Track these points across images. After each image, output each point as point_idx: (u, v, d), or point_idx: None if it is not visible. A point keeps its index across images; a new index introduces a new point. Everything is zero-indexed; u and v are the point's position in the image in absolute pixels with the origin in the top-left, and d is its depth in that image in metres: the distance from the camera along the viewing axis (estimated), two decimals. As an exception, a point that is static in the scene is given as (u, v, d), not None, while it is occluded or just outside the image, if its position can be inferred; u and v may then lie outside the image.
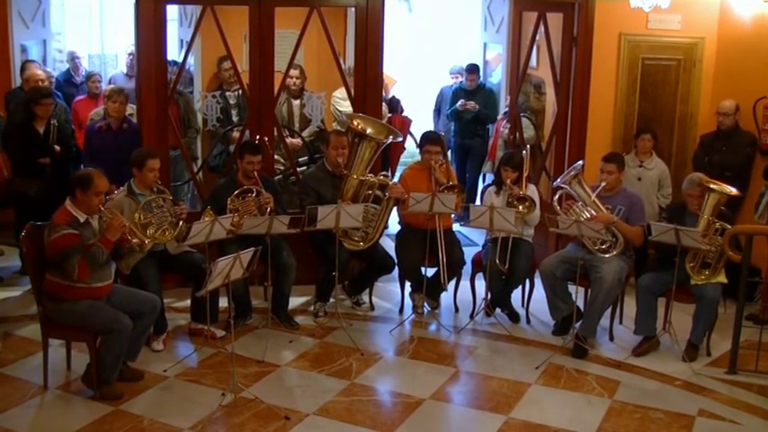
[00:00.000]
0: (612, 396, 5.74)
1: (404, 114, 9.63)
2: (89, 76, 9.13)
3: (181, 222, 6.13)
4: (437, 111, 10.66)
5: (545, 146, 8.61)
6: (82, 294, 5.38)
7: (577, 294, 6.52)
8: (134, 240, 5.72)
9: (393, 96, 9.47)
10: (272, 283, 6.61)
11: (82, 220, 5.36)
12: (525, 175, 6.90)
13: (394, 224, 7.39)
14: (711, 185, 6.24)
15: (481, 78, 9.95)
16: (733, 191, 6.26)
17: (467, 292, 7.15)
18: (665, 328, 6.43)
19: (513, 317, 7.04)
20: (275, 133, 7.57)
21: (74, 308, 5.37)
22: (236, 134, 8.08)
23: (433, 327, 6.97)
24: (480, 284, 7.03)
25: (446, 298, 7.28)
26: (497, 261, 6.71)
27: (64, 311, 5.41)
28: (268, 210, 6.51)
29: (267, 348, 6.26)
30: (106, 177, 5.48)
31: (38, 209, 6.82)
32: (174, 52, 8.72)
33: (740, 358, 6.13)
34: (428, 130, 8.12)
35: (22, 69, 8.42)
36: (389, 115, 8.91)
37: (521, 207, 6.72)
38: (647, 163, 7.64)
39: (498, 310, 7.04)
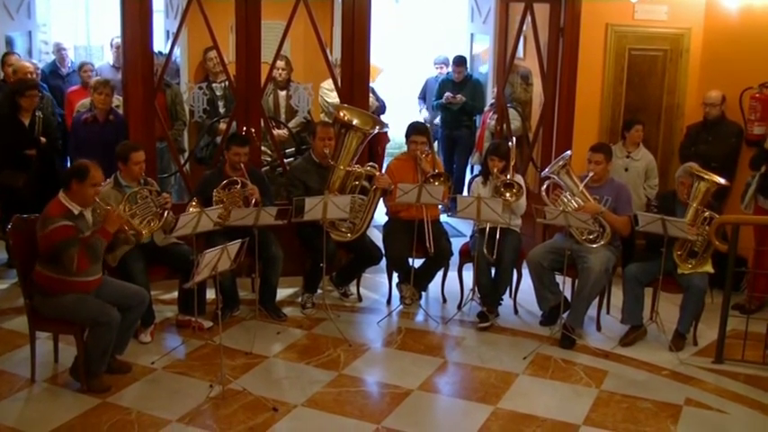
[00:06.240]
0: (600, 386, 5.76)
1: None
2: (81, 66, 9.03)
3: (167, 213, 6.11)
4: (422, 99, 10.66)
5: (532, 136, 8.61)
6: (71, 288, 5.32)
7: (565, 284, 6.53)
8: (131, 232, 5.73)
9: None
10: (259, 275, 6.60)
11: (76, 213, 5.28)
12: (512, 164, 6.91)
13: (381, 215, 7.37)
14: (701, 174, 6.26)
15: (468, 69, 9.95)
16: (722, 181, 6.28)
17: (454, 282, 7.15)
18: (652, 317, 6.46)
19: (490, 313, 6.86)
20: (262, 124, 7.56)
21: (61, 301, 5.33)
22: (222, 125, 8.05)
23: (420, 317, 6.97)
24: (468, 275, 7.03)
25: (434, 289, 7.29)
26: (485, 250, 6.71)
27: (51, 305, 5.37)
28: (253, 201, 6.50)
29: (255, 340, 6.25)
30: (101, 169, 5.43)
31: (24, 201, 6.80)
32: (160, 44, 8.67)
33: (727, 348, 6.16)
34: (415, 120, 8.09)
35: (3, 62, 8.34)
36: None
37: (508, 194, 6.72)
38: (635, 153, 7.65)
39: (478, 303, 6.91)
